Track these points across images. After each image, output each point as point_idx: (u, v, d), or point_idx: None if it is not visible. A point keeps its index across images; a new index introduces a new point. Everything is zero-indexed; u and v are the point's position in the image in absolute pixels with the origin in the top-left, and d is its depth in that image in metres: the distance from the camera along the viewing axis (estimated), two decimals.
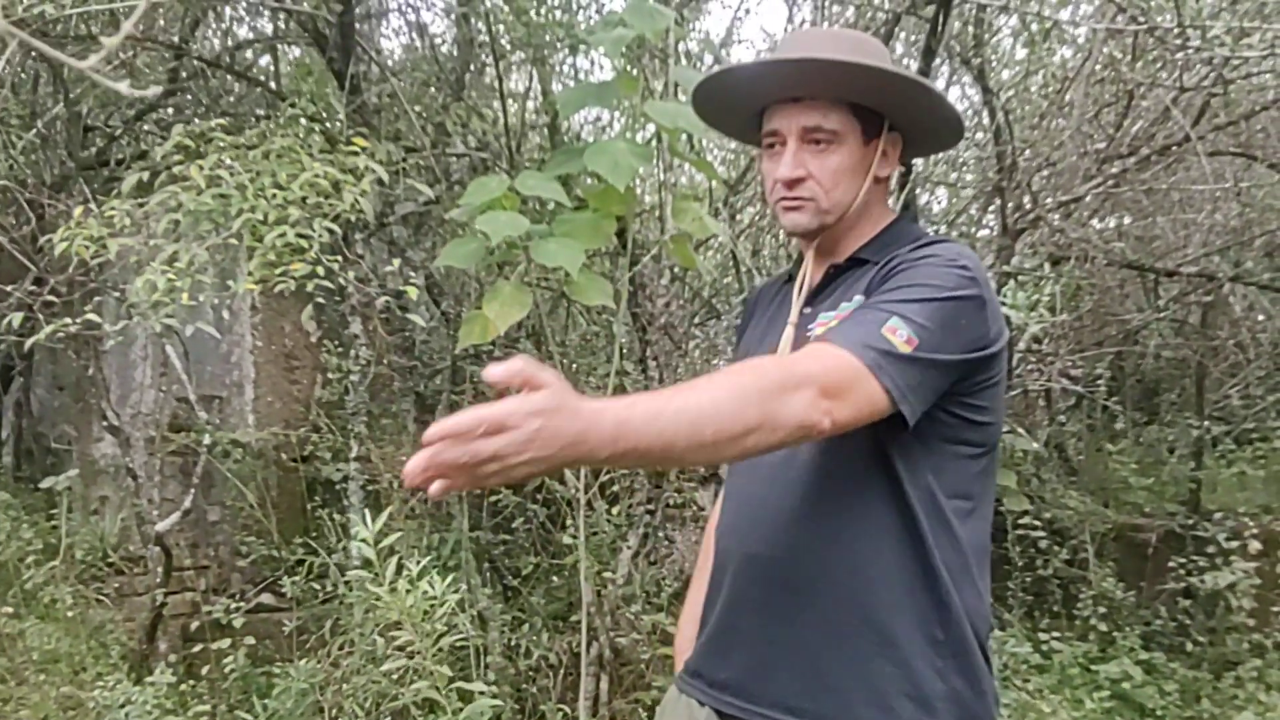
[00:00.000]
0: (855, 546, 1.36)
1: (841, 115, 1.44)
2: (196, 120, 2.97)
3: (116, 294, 3.26)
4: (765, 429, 1.13)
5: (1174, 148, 3.50)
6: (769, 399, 1.14)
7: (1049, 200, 3.71)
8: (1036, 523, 4.59)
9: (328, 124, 3.42)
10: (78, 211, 2.40)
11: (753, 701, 1.41)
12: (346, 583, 3.15)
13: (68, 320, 2.37)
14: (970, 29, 3.63)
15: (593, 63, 4.78)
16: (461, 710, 2.36)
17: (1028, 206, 3.86)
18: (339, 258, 2.52)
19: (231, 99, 4.68)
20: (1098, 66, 3.88)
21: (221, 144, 2.59)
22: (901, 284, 1.34)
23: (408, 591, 2.10)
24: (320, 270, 2.43)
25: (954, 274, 1.33)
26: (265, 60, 4.95)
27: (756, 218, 5.53)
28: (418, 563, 2.18)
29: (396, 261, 2.86)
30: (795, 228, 1.49)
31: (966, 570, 1.37)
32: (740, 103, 1.54)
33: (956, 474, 1.38)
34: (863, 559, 1.35)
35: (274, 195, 2.39)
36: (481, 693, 2.65)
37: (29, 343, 2.40)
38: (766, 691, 1.40)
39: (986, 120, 3.87)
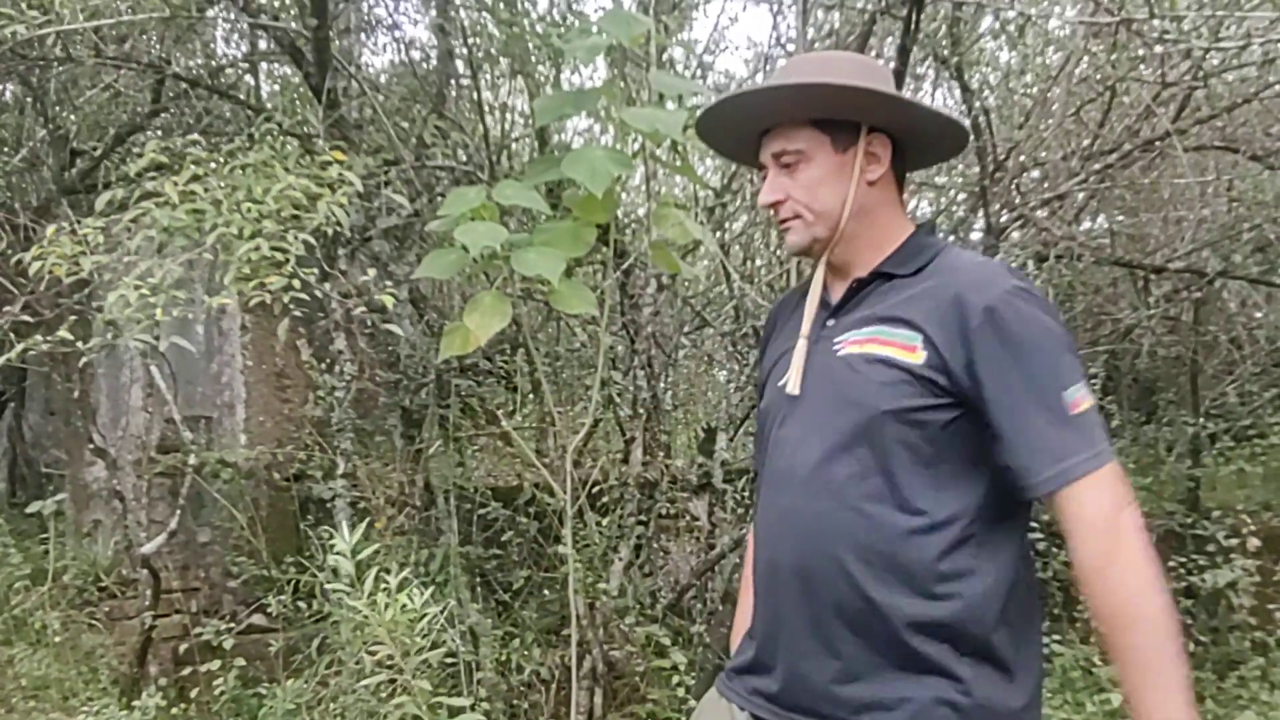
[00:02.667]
0: (886, 560, 1.37)
1: (807, 133, 1.49)
2: (178, 138, 2.96)
3: (99, 312, 3.23)
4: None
5: (1157, 143, 3.48)
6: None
7: (1033, 199, 3.70)
8: (1035, 525, 4.55)
9: (307, 139, 3.41)
10: (50, 230, 2.38)
11: (788, 709, 1.44)
12: (330, 600, 3.12)
13: (38, 338, 2.35)
14: (948, 28, 3.62)
15: (580, 74, 4.78)
16: None
17: (1016, 204, 3.84)
18: (315, 271, 2.49)
19: (215, 118, 4.68)
20: (1082, 64, 3.87)
21: (196, 160, 2.57)
22: (1032, 373, 1.37)
23: (386, 606, 2.07)
24: (296, 284, 2.40)
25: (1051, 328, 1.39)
26: (252, 79, 4.96)
27: (748, 225, 5.51)
28: (397, 574, 2.15)
29: (372, 271, 2.84)
30: (793, 249, 1.55)
31: (1007, 586, 1.39)
32: (740, 137, 1.59)
33: (1000, 496, 1.39)
34: (894, 576, 1.37)
35: (249, 209, 2.37)
36: (472, 708, 2.61)
37: None
38: (800, 700, 1.43)
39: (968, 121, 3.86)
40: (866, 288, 1.50)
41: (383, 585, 2.12)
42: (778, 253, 5.35)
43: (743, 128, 1.56)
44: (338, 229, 2.64)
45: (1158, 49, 3.09)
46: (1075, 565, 1.34)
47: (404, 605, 2.08)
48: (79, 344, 2.39)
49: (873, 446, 1.39)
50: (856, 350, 1.44)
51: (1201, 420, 5.08)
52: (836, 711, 1.39)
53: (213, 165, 2.59)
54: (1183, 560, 4.53)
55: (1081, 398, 1.35)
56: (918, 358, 1.38)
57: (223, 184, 2.51)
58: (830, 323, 1.52)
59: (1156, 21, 2.96)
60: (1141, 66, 3.55)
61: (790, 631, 1.44)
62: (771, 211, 1.54)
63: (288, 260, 2.40)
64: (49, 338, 2.36)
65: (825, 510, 1.41)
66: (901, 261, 1.49)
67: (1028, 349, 1.35)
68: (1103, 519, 1.31)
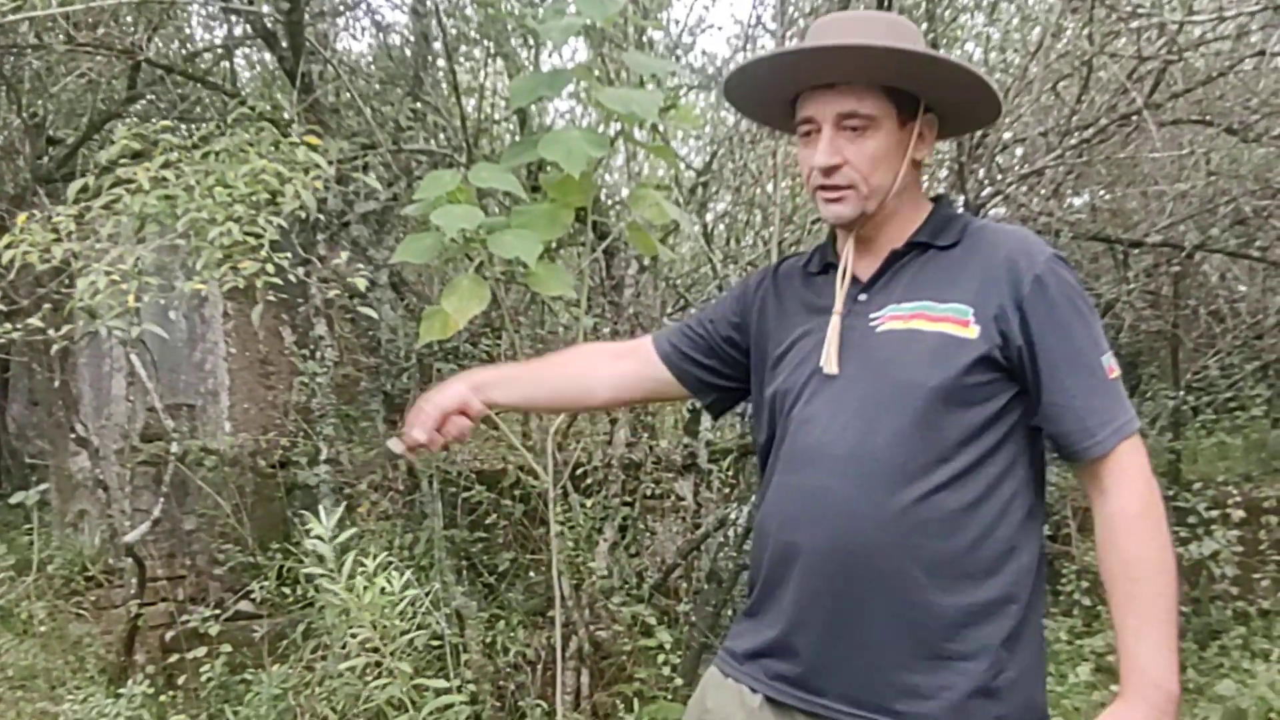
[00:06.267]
0: (931, 547, 1.35)
1: (876, 99, 1.42)
2: (151, 124, 2.93)
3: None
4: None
5: (1133, 117, 3.49)
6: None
7: (1012, 175, 3.71)
8: None
9: (283, 124, 3.39)
10: (21, 218, 2.37)
11: (817, 694, 1.40)
12: (314, 585, 3.13)
13: (7, 325, 2.34)
14: (925, 4, 3.61)
15: (561, 55, 4.76)
16: (436, 709, 2.33)
17: (995, 180, 3.85)
18: (288, 255, 2.49)
19: (193, 104, 4.65)
20: (1061, 40, 3.87)
21: (169, 145, 2.55)
22: (1075, 333, 1.39)
23: (365, 589, 2.07)
24: (271, 268, 2.40)
25: (1085, 297, 1.43)
26: (228, 64, 4.92)
27: (732, 205, 5.50)
28: (375, 558, 2.16)
29: (345, 254, 2.83)
30: (837, 219, 1.47)
31: (1038, 562, 1.40)
32: (771, 93, 1.52)
33: (1037, 470, 1.42)
34: (938, 559, 1.35)
35: (221, 194, 2.36)
36: (458, 689, 2.62)
37: None
38: (832, 685, 1.39)
39: None
40: (901, 259, 1.46)
41: (360, 569, 2.12)
42: (761, 233, 5.35)
43: (790, 83, 1.47)
44: (315, 213, 2.63)
45: (1133, 24, 3.09)
46: (1109, 515, 1.36)
47: (382, 589, 2.09)
48: (50, 331, 2.37)
49: (921, 424, 1.35)
50: (901, 326, 1.40)
51: (1182, 393, 5.11)
52: (871, 698, 1.36)
53: (186, 151, 2.57)
54: None
55: (1113, 363, 1.39)
56: (971, 332, 1.36)
57: (195, 169, 2.49)
58: (862, 297, 1.46)
59: None
60: (1117, 41, 3.55)
61: (822, 616, 1.39)
62: (820, 175, 1.44)
63: (261, 245, 2.39)
64: (18, 325, 2.34)
65: (866, 492, 1.36)
66: (935, 232, 1.46)
67: (1072, 317, 1.37)
68: (1143, 475, 1.36)
